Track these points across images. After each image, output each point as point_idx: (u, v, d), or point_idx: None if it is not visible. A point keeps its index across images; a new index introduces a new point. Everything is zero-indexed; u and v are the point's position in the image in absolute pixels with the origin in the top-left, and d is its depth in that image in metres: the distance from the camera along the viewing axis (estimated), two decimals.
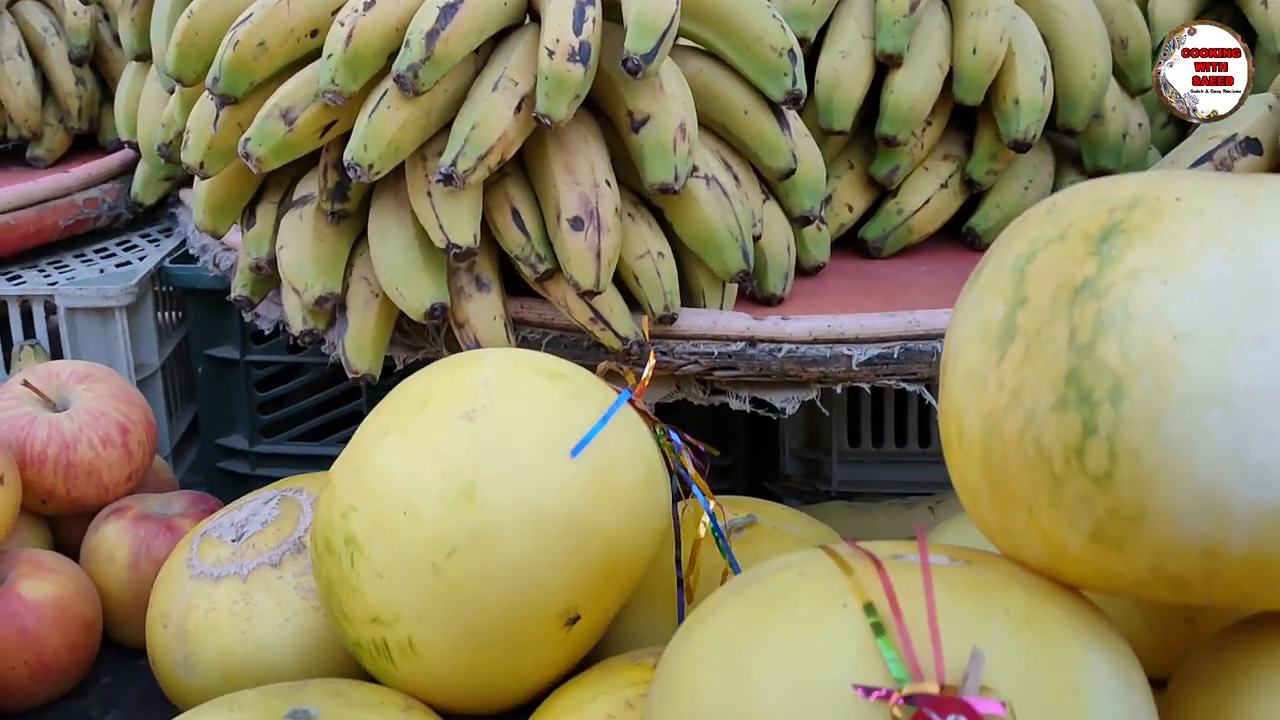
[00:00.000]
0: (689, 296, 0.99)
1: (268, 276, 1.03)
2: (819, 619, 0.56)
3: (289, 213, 0.99)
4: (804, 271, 1.10)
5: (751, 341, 0.96)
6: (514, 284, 0.99)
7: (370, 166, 0.89)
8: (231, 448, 1.29)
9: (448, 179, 0.89)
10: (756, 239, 1.02)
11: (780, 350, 0.96)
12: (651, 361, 0.87)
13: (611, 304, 0.95)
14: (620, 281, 0.96)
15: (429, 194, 0.91)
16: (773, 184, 1.04)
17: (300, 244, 0.97)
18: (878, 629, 0.54)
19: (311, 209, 0.98)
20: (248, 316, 1.16)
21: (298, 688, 0.78)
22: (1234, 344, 0.52)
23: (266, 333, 1.19)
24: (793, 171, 1.01)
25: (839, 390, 0.97)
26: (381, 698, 0.78)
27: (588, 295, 0.93)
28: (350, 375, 0.98)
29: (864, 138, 1.17)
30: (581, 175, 0.92)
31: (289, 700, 0.76)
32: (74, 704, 0.96)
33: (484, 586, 0.74)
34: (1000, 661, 0.53)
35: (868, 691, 0.52)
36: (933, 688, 0.52)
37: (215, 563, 0.89)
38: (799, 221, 1.06)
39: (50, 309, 1.20)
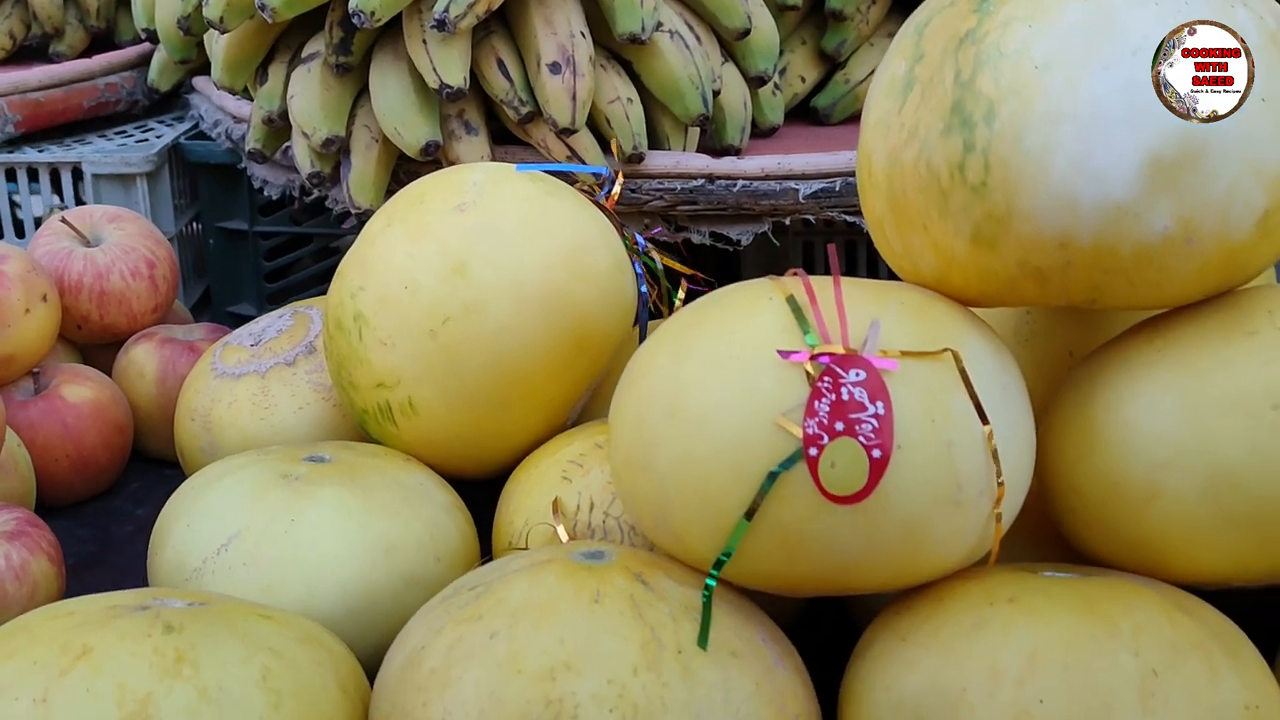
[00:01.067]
0: (655, 141, 1.11)
1: (278, 130, 1.15)
2: (749, 308, 0.68)
3: (298, 68, 1.11)
4: (761, 132, 1.23)
5: (710, 178, 1.08)
6: (499, 134, 1.11)
7: (373, 14, 1.01)
8: (241, 314, 1.40)
9: (441, 24, 1.01)
10: (716, 94, 1.14)
11: (735, 186, 1.08)
12: (620, 180, 0.99)
13: (585, 143, 1.07)
14: (594, 126, 1.08)
15: (424, 41, 1.03)
16: (730, 46, 1.16)
17: (308, 93, 1.09)
18: (796, 312, 0.66)
19: (319, 63, 1.10)
20: (257, 182, 1.28)
21: (313, 444, 0.90)
22: (1084, 71, 0.64)
23: (274, 198, 1.30)
24: (748, 32, 1.13)
25: (788, 223, 1.09)
26: (386, 452, 0.90)
27: (564, 134, 1.05)
28: (354, 212, 1.10)
29: (816, 17, 1.29)
30: (559, 26, 1.04)
31: (306, 450, 0.88)
32: (110, 501, 1.08)
33: (473, 349, 0.86)
34: (893, 333, 0.66)
35: (787, 354, 0.65)
36: (839, 349, 0.64)
37: (236, 364, 1.01)
38: (754, 82, 1.18)
39: (77, 176, 1.32)
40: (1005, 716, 0.62)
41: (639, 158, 1.08)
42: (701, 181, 1.08)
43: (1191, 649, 0.64)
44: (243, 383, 0.99)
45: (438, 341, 0.86)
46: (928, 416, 0.64)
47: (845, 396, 0.63)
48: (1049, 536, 0.76)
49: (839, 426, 0.63)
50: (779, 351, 0.65)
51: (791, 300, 0.67)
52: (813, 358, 0.64)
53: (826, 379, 0.63)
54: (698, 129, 1.13)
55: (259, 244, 1.40)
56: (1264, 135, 0.64)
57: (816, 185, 1.07)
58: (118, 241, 1.13)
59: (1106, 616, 0.65)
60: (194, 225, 1.44)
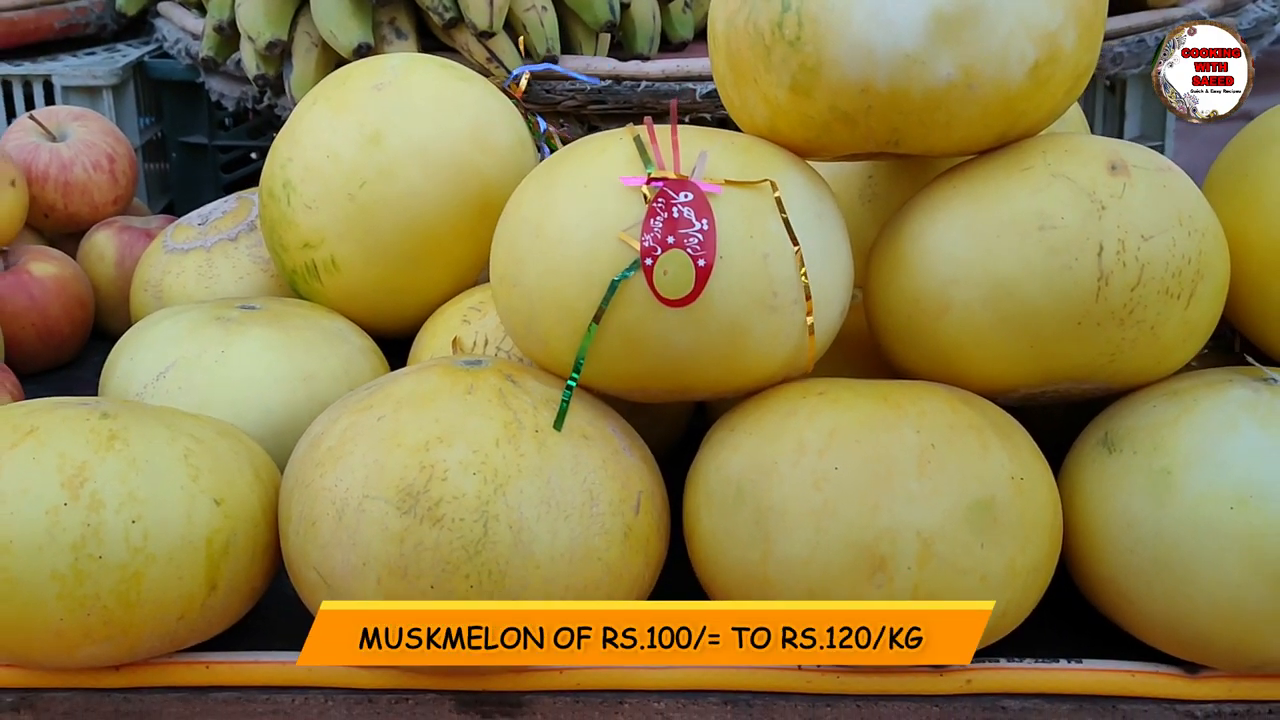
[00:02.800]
0: (569, 47, 1.23)
1: (228, 38, 1.27)
2: (603, 147, 0.80)
3: None
4: (672, 47, 1.34)
5: (617, 79, 1.20)
6: (426, 41, 1.23)
7: None
8: None
9: None
10: (626, 6, 1.25)
11: (639, 86, 1.19)
12: (526, 75, 1.11)
13: (504, 46, 1.18)
14: (512, 32, 1.20)
15: None
16: None
17: (253, 1, 1.21)
18: (640, 148, 0.78)
19: None
20: (214, 95, 1.39)
21: (246, 299, 1.02)
22: None
23: (230, 110, 1.42)
24: None
25: (687, 120, 1.20)
26: (312, 305, 1.01)
27: (483, 36, 1.16)
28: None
29: None
30: None
31: (240, 301, 1.00)
32: (73, 371, 1.20)
33: (387, 210, 0.97)
34: (720, 165, 0.77)
35: (628, 180, 0.76)
36: (671, 175, 0.76)
37: (185, 240, 1.13)
38: None
39: (48, 89, 1.43)
40: (807, 481, 0.74)
41: (553, 60, 1.19)
42: (609, 83, 1.19)
43: (967, 429, 0.76)
44: (190, 256, 1.11)
45: (356, 203, 0.97)
46: (747, 233, 0.76)
47: (676, 215, 0.75)
48: (885, 368, 0.88)
49: (670, 240, 0.74)
50: (622, 178, 0.76)
51: (637, 139, 0.79)
52: (649, 182, 0.76)
53: (660, 200, 0.75)
54: (608, 36, 1.24)
55: (218, 157, 1.52)
56: None
57: (711, 85, 1.18)
58: (81, 137, 1.25)
59: (897, 404, 0.77)
60: (160, 140, 1.55)
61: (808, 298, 0.77)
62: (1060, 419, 0.89)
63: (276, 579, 0.83)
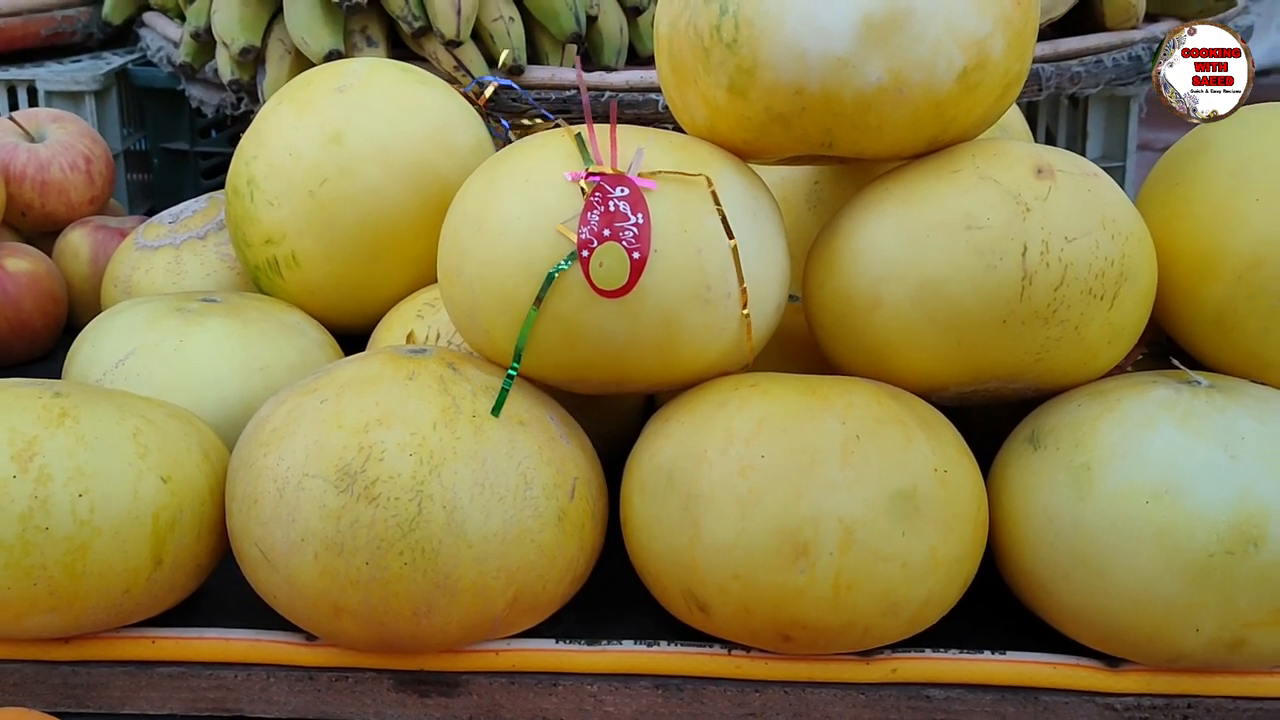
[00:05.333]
0: (536, 58, 1.26)
1: (205, 44, 1.30)
2: (544, 144, 0.82)
3: None
4: (641, 60, 1.37)
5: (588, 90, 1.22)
6: (397, 50, 1.26)
7: None
8: None
9: None
10: (594, 20, 1.28)
11: (603, 96, 1.22)
12: (493, 85, 1.14)
13: (471, 56, 1.21)
14: (480, 42, 1.23)
15: None
16: None
17: (229, 8, 1.24)
18: (580, 145, 0.81)
19: None
20: (194, 102, 1.42)
21: (209, 292, 1.05)
22: None
23: (210, 116, 1.45)
24: None
25: None
26: (272, 300, 1.04)
27: (451, 46, 1.19)
28: None
29: None
30: None
31: (201, 294, 1.02)
32: (46, 365, 1.22)
33: (347, 207, 1.00)
34: (656, 161, 0.80)
35: (568, 175, 0.79)
36: (608, 170, 0.79)
37: (155, 238, 1.15)
38: (631, 12, 1.32)
39: (32, 94, 1.46)
40: (734, 468, 0.76)
41: (519, 70, 1.22)
42: (574, 92, 1.22)
43: (892, 422, 0.78)
44: (160, 253, 1.14)
45: (316, 200, 1.00)
46: (681, 227, 0.78)
47: (612, 208, 0.77)
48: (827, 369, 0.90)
49: (606, 233, 0.77)
50: (563, 173, 0.79)
51: (578, 137, 0.81)
52: (587, 176, 0.78)
53: (598, 194, 0.78)
54: (574, 47, 1.27)
55: (199, 163, 1.54)
56: (960, 4, 0.78)
57: None
58: (59, 139, 1.28)
59: (824, 396, 0.79)
60: (142, 147, 1.58)
61: (742, 289, 0.80)
62: (1000, 421, 0.91)
63: (224, 558, 0.85)
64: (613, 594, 0.87)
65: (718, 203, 0.79)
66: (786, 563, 0.75)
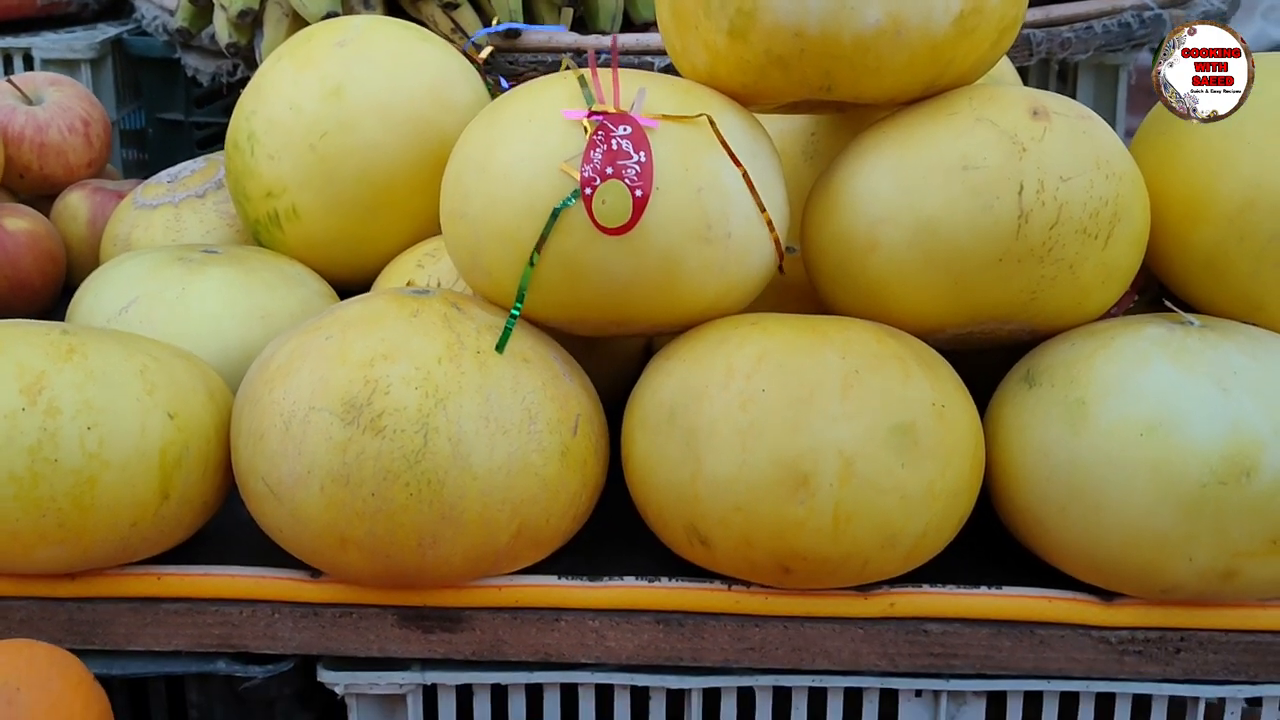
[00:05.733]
0: (533, 20, 1.27)
1: (202, 8, 1.30)
2: (547, 85, 0.83)
3: None
4: (636, 27, 1.38)
5: (577, 52, 1.23)
6: (394, 13, 1.26)
7: None
8: None
9: None
10: None
11: (601, 57, 1.23)
12: (488, 46, 1.15)
13: (468, 19, 1.22)
14: (476, 5, 1.24)
15: None
16: None
17: None
18: (583, 85, 0.82)
19: None
20: (190, 70, 1.43)
21: (210, 245, 1.05)
22: None
23: (205, 85, 1.45)
24: None
25: None
26: (273, 252, 1.05)
27: (448, 8, 1.20)
28: None
29: None
30: None
31: (202, 247, 1.03)
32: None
33: (346, 161, 1.01)
34: (659, 102, 0.81)
35: (570, 114, 0.80)
36: (611, 109, 0.80)
37: (154, 197, 1.16)
38: None
39: (28, 62, 1.47)
40: (735, 402, 0.77)
41: (516, 34, 1.23)
42: (571, 54, 1.23)
43: (891, 358, 0.79)
44: (159, 212, 1.14)
45: (316, 153, 1.01)
46: (682, 166, 0.79)
47: (615, 147, 0.78)
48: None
49: (609, 171, 0.78)
50: (564, 112, 0.80)
51: (581, 78, 0.82)
52: (590, 115, 0.79)
53: (600, 133, 0.79)
54: (570, 10, 1.28)
55: (194, 133, 1.55)
56: None
57: (668, 60, 1.22)
58: (57, 101, 1.28)
59: (824, 333, 0.80)
60: (139, 124, 1.59)
61: (765, 215, 0.81)
62: (996, 368, 0.92)
63: (228, 503, 0.86)
64: (614, 534, 0.88)
65: (723, 142, 0.80)
66: (787, 494, 0.76)
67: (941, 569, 0.83)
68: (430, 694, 0.85)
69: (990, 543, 0.87)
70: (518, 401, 0.78)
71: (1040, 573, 0.84)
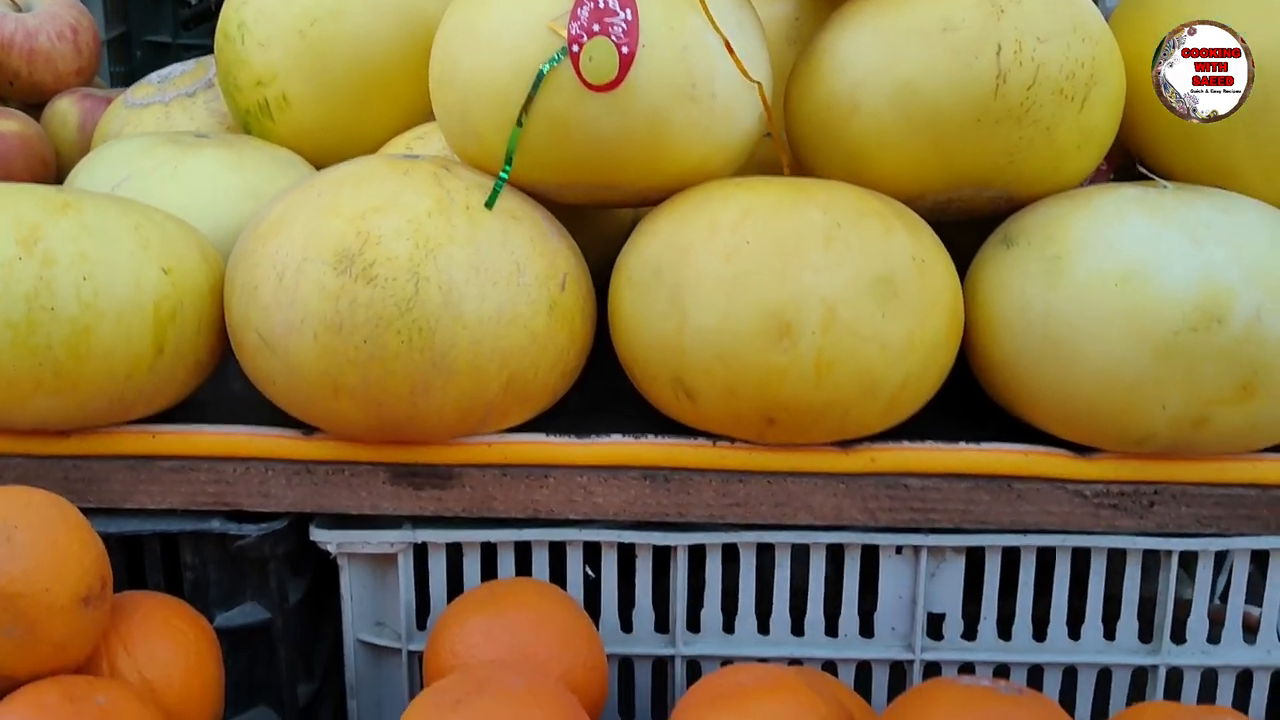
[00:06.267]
0: None
1: None
2: None
3: None
4: None
5: None
6: None
7: None
8: None
9: None
10: None
11: None
12: None
13: None
14: None
15: None
16: None
17: None
18: None
19: None
20: None
21: (202, 132, 1.06)
22: None
23: (192, 5, 1.46)
24: None
25: None
26: (265, 141, 1.06)
27: None
28: None
29: None
30: None
31: (194, 133, 1.04)
32: None
33: (338, 48, 1.02)
34: None
35: None
36: None
37: (144, 97, 1.17)
38: None
39: None
40: (719, 255, 0.79)
41: None
42: None
43: (873, 214, 0.81)
44: (149, 110, 1.15)
45: (306, 40, 1.02)
46: (667, 25, 0.81)
47: (601, 4, 0.80)
48: None
49: (596, 28, 0.79)
50: None
51: None
52: None
53: None
54: None
55: (181, 55, 1.56)
56: None
57: None
58: (46, 8, 1.29)
59: (807, 191, 0.82)
60: (127, 43, 1.60)
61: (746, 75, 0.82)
62: (974, 244, 0.94)
63: (223, 377, 0.87)
64: (602, 399, 0.90)
65: (703, 3, 0.82)
66: (770, 343, 0.78)
67: (921, 427, 0.85)
68: (421, 553, 0.87)
69: (969, 405, 0.89)
70: (506, 254, 0.80)
71: (1018, 432, 0.86)
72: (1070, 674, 0.88)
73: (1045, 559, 0.86)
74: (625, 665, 0.90)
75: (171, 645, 0.80)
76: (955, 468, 0.84)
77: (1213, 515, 0.84)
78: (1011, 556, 0.86)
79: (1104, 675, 0.88)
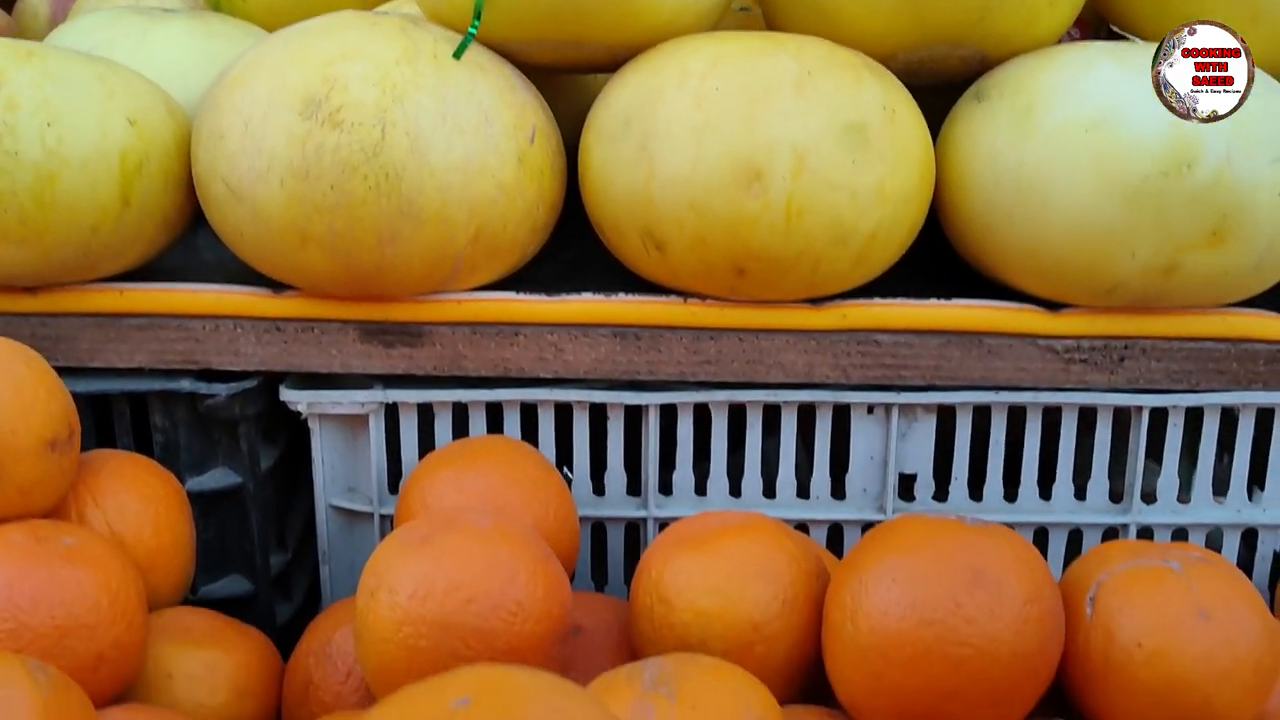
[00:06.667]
0: None
1: None
2: None
3: None
4: None
5: None
6: None
7: None
8: None
9: None
10: None
11: None
12: None
13: None
14: None
15: None
16: None
17: None
18: None
19: None
20: None
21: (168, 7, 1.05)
22: None
23: None
24: None
25: None
26: (233, 17, 1.05)
27: None
28: None
29: None
30: None
31: (161, 7, 1.03)
32: None
33: None
34: None
35: None
36: None
37: None
38: None
39: None
40: (689, 102, 0.79)
41: None
42: None
43: (844, 64, 0.81)
44: None
45: None
46: None
47: None
48: None
49: None
50: None
51: None
52: None
53: None
54: None
55: None
56: None
57: None
58: None
59: (778, 41, 0.81)
60: None
61: None
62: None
63: (191, 245, 0.87)
64: (572, 261, 0.89)
65: None
66: (741, 189, 0.77)
67: (893, 285, 0.85)
68: (392, 414, 0.87)
69: (942, 268, 0.89)
70: (474, 104, 0.79)
71: (990, 291, 0.86)
72: (1041, 534, 0.89)
73: (1017, 420, 0.86)
74: (598, 529, 0.90)
75: (140, 500, 0.79)
76: (926, 324, 0.84)
77: (1183, 370, 0.84)
78: (983, 416, 0.86)
79: (1075, 535, 0.89)
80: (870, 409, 0.86)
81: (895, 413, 0.86)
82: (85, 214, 0.79)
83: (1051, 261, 0.81)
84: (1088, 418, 0.86)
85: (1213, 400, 0.85)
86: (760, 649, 0.70)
